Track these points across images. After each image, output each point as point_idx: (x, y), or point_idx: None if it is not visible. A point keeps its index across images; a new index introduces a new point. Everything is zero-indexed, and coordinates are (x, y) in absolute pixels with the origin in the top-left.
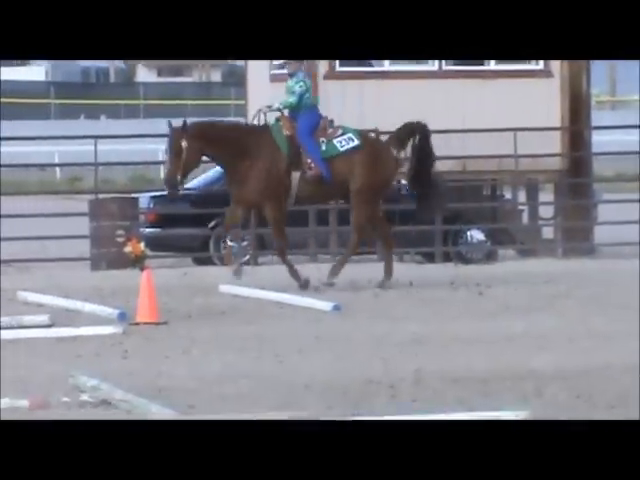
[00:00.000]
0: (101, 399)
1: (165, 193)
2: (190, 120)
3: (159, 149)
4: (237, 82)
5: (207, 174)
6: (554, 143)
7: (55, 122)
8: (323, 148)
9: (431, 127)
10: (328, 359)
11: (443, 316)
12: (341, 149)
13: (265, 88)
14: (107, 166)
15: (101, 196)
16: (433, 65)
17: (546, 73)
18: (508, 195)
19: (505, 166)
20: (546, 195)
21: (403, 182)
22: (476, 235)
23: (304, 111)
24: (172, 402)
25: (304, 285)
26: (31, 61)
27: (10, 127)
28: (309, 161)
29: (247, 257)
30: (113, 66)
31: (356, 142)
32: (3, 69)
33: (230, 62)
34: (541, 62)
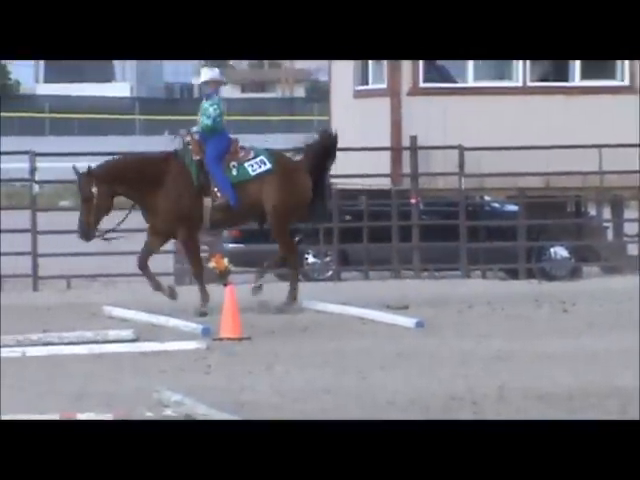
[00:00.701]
0: (184, 414)
1: None
2: (95, 164)
3: None
4: (320, 98)
5: None
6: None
7: (140, 138)
8: (234, 173)
9: (515, 143)
10: (411, 375)
11: (527, 333)
12: (252, 173)
13: (349, 104)
14: None
15: None
16: (517, 81)
17: (630, 89)
18: (593, 212)
19: (590, 183)
20: (631, 212)
21: (487, 198)
22: (560, 252)
23: (214, 135)
24: (254, 417)
25: (202, 313)
26: (117, 77)
27: (96, 142)
28: (216, 189)
29: (330, 273)
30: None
31: (268, 165)
32: (89, 85)
33: (314, 77)
34: (626, 78)
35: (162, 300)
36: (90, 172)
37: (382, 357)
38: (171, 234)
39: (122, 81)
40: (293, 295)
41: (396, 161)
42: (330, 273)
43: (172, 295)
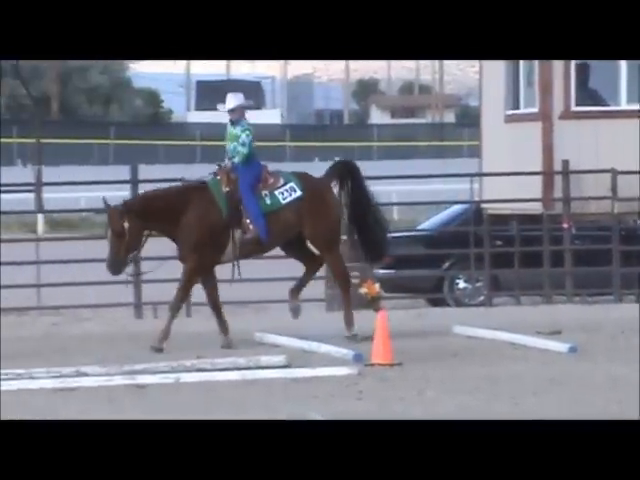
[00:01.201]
0: None
1: (400, 235)
2: (126, 198)
3: (393, 190)
4: (470, 123)
5: (440, 215)
6: None
7: (290, 164)
8: (267, 202)
9: None
10: (563, 401)
11: None
12: (284, 202)
13: (500, 128)
14: None
15: None
16: None
17: None
18: None
19: None
20: None
21: None
22: None
23: (246, 163)
24: None
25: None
26: (267, 104)
27: None
28: (248, 222)
29: (481, 298)
30: (347, 108)
31: (298, 192)
32: None
33: (464, 102)
34: None
35: (314, 326)
36: (123, 206)
37: (534, 383)
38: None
39: (272, 108)
40: (349, 322)
41: (548, 185)
42: (481, 298)
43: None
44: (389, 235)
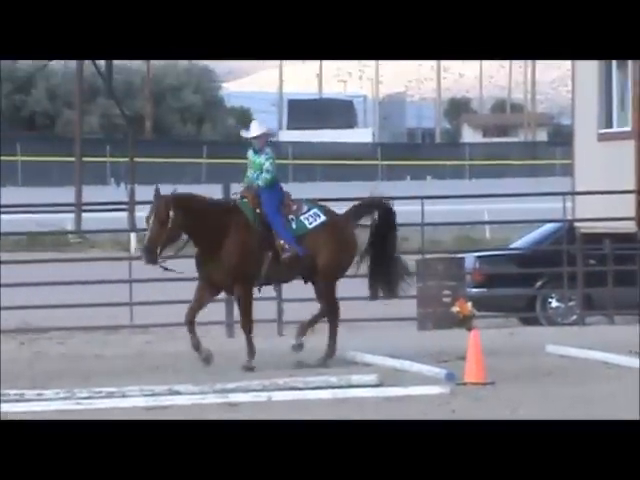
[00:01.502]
0: None
1: (492, 253)
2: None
3: (484, 209)
4: (563, 141)
5: (532, 234)
6: None
7: (382, 183)
8: (293, 226)
9: None
10: None
11: None
12: (310, 226)
13: (592, 147)
14: (433, 226)
15: (427, 256)
16: None
17: None
18: None
19: None
20: None
21: None
22: None
23: (269, 188)
24: None
25: (206, 359)
26: (359, 124)
27: (338, 189)
28: (282, 242)
29: (574, 317)
30: (439, 127)
31: (323, 218)
32: (331, 132)
33: (556, 121)
34: None
35: (405, 345)
36: (173, 197)
37: (628, 403)
38: (227, 288)
39: (364, 127)
40: (331, 350)
41: None
42: (574, 317)
43: (207, 360)
44: (405, 277)
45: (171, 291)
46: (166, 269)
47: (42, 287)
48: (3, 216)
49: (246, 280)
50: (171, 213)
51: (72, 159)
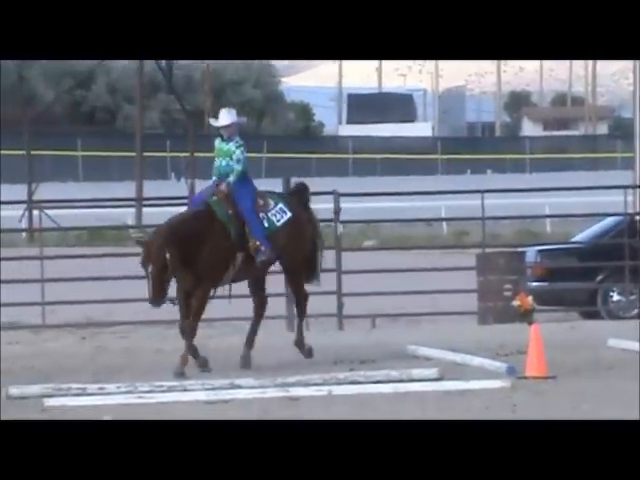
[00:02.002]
0: None
1: (553, 247)
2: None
3: (545, 203)
4: (624, 134)
5: (593, 227)
6: None
7: (442, 177)
8: (265, 225)
9: None
10: None
11: None
12: (278, 224)
13: None
14: (494, 220)
15: (488, 250)
16: None
17: None
18: None
19: None
20: None
21: None
22: None
23: (242, 182)
24: None
25: (202, 364)
26: (419, 118)
27: (398, 182)
28: (257, 243)
29: (635, 311)
30: (499, 120)
31: (288, 214)
32: (391, 126)
33: (617, 114)
34: None
35: (466, 338)
36: (164, 239)
37: None
38: (193, 286)
39: (424, 121)
40: (300, 341)
41: None
42: (635, 311)
43: (203, 366)
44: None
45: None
46: (174, 304)
47: (103, 282)
48: (64, 211)
49: (211, 283)
50: (167, 256)
51: (133, 154)
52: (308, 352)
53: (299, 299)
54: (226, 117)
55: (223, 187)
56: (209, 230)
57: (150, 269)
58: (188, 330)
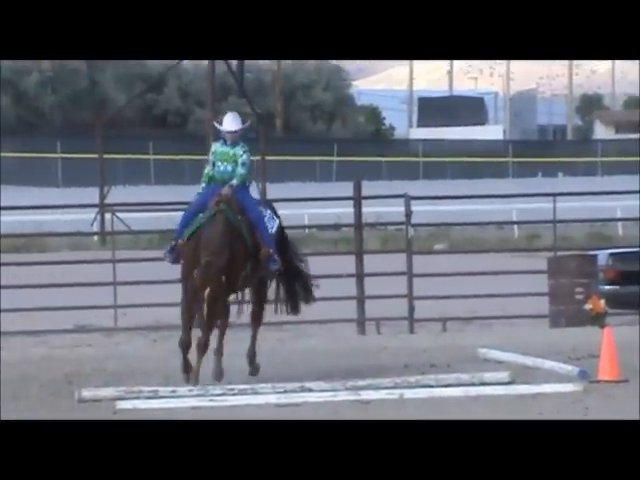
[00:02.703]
0: None
1: (625, 251)
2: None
3: (617, 206)
4: None
5: None
6: None
7: (513, 180)
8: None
9: None
10: None
11: None
12: (272, 231)
13: None
14: (565, 223)
15: (559, 253)
16: None
17: None
18: None
19: None
20: None
21: None
22: None
23: (245, 190)
24: None
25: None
26: (489, 121)
27: (469, 186)
28: (271, 251)
29: None
30: (570, 123)
31: (277, 220)
32: (462, 129)
33: None
34: None
35: (538, 341)
36: (218, 259)
37: None
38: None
39: (495, 124)
40: (251, 352)
41: None
42: None
43: (194, 380)
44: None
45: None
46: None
47: (174, 285)
48: (136, 214)
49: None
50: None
51: (204, 157)
52: (255, 369)
53: (260, 310)
54: (233, 123)
55: (226, 191)
56: (233, 239)
57: (207, 293)
58: (202, 345)
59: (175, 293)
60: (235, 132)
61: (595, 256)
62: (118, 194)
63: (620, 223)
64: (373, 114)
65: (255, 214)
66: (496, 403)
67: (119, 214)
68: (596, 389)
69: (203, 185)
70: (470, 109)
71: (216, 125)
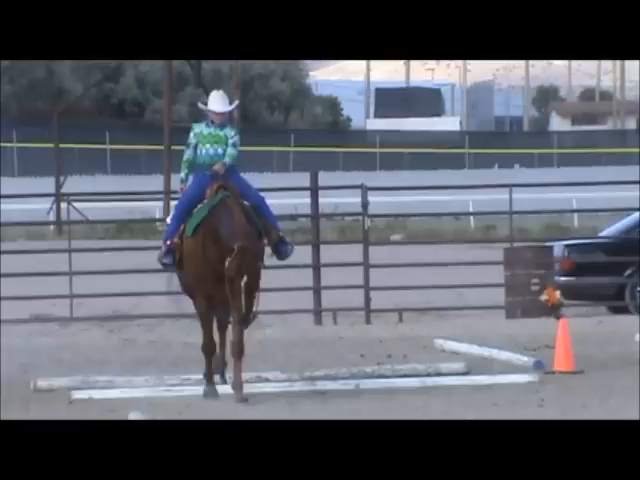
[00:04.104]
0: None
1: (581, 242)
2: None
3: (573, 197)
4: None
5: (621, 222)
6: None
7: (469, 171)
8: None
9: None
10: None
11: None
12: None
13: None
14: (521, 214)
15: (516, 244)
16: None
17: None
18: None
19: None
20: None
21: None
22: None
23: (237, 172)
24: None
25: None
26: (446, 112)
27: (426, 177)
28: (281, 234)
29: None
30: (527, 115)
31: None
32: (419, 120)
33: None
34: None
35: (494, 332)
36: (250, 243)
37: None
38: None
39: (452, 115)
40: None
41: None
42: None
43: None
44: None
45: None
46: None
47: (131, 275)
48: (93, 204)
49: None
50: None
51: (161, 147)
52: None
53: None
54: (221, 103)
55: (219, 167)
56: (251, 223)
57: (245, 280)
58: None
59: (131, 283)
60: (223, 114)
61: (551, 247)
62: (74, 184)
63: (576, 214)
64: (330, 105)
65: (256, 197)
66: (451, 394)
67: (75, 204)
68: (552, 380)
69: (184, 173)
70: (427, 100)
71: (201, 106)
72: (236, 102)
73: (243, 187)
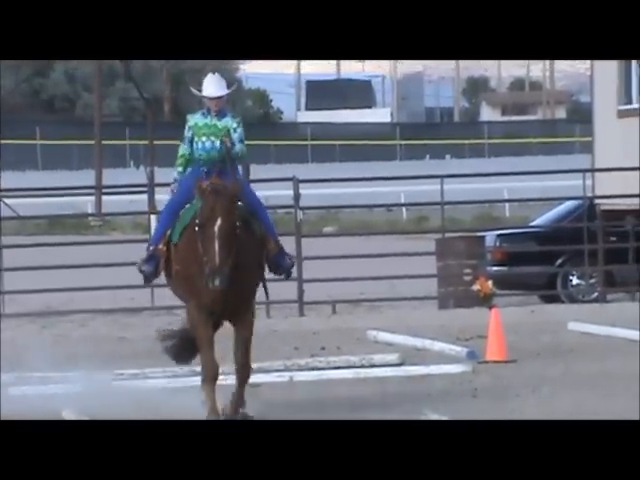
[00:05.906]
0: None
1: (512, 232)
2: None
3: (504, 187)
4: (582, 119)
5: (552, 212)
6: None
7: (401, 162)
8: None
9: None
10: None
11: None
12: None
13: (612, 124)
14: (453, 205)
15: (447, 235)
16: None
17: None
18: None
19: None
20: None
21: None
22: None
23: (236, 168)
24: None
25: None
26: (377, 104)
27: (357, 168)
28: (278, 239)
29: (595, 294)
30: (457, 106)
31: None
32: (350, 112)
33: (575, 99)
34: None
35: (427, 323)
36: (231, 190)
37: None
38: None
39: (382, 107)
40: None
41: None
42: (595, 295)
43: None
44: None
45: None
46: None
47: (63, 270)
48: (23, 200)
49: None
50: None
51: (92, 142)
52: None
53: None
54: (217, 86)
55: (227, 141)
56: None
57: (219, 224)
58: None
59: (63, 278)
60: (220, 97)
61: (483, 237)
62: (5, 179)
63: (507, 204)
64: (261, 98)
65: (253, 198)
66: (386, 385)
67: (6, 199)
68: (485, 370)
69: (178, 170)
70: (358, 92)
71: (194, 92)
72: (235, 84)
73: (248, 190)
